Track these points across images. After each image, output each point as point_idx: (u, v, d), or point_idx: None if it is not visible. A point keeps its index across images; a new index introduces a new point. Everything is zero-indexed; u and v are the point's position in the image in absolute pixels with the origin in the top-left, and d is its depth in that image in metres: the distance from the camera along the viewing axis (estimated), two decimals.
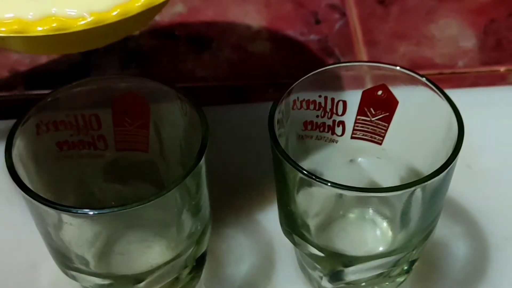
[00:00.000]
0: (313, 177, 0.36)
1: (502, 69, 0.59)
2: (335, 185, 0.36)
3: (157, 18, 0.61)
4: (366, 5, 0.64)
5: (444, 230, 0.46)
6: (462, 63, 0.59)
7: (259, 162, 0.50)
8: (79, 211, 0.35)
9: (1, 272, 0.45)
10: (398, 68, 0.40)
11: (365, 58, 0.60)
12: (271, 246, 0.46)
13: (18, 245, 0.46)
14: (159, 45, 0.61)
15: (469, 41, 0.61)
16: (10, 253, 0.46)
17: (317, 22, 0.62)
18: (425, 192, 0.37)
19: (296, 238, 0.40)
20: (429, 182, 0.36)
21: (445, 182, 0.38)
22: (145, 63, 0.59)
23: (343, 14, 0.63)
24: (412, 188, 0.36)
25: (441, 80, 0.54)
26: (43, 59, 0.59)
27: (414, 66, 0.58)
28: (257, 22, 0.63)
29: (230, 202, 0.48)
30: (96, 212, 0.35)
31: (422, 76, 0.40)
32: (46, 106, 0.40)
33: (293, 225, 0.40)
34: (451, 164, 0.36)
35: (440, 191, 0.38)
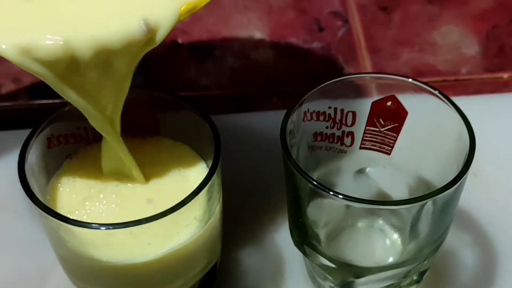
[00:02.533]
0: (325, 189, 0.36)
1: (505, 75, 0.59)
2: (346, 197, 0.36)
3: None
4: (369, 12, 0.64)
5: (451, 238, 0.46)
6: (465, 70, 0.59)
7: (265, 171, 0.50)
8: (92, 226, 0.35)
9: (11, 284, 0.45)
10: (410, 80, 0.40)
11: (368, 65, 0.60)
12: (281, 257, 0.46)
13: (27, 257, 0.46)
14: (162, 53, 0.61)
15: (471, 48, 0.61)
16: (19, 265, 0.45)
17: (320, 29, 0.62)
18: (436, 205, 0.37)
19: (307, 249, 0.40)
20: (440, 195, 0.36)
21: (457, 194, 0.38)
22: (148, 71, 0.59)
23: (346, 21, 0.63)
24: (424, 201, 0.36)
25: (445, 87, 0.53)
26: None
27: (417, 73, 0.58)
28: (260, 30, 0.63)
29: (239, 212, 0.47)
30: (109, 227, 0.35)
31: (434, 88, 0.40)
32: (57, 119, 0.40)
33: (304, 235, 0.40)
34: (463, 177, 0.36)
35: (451, 203, 0.38)
